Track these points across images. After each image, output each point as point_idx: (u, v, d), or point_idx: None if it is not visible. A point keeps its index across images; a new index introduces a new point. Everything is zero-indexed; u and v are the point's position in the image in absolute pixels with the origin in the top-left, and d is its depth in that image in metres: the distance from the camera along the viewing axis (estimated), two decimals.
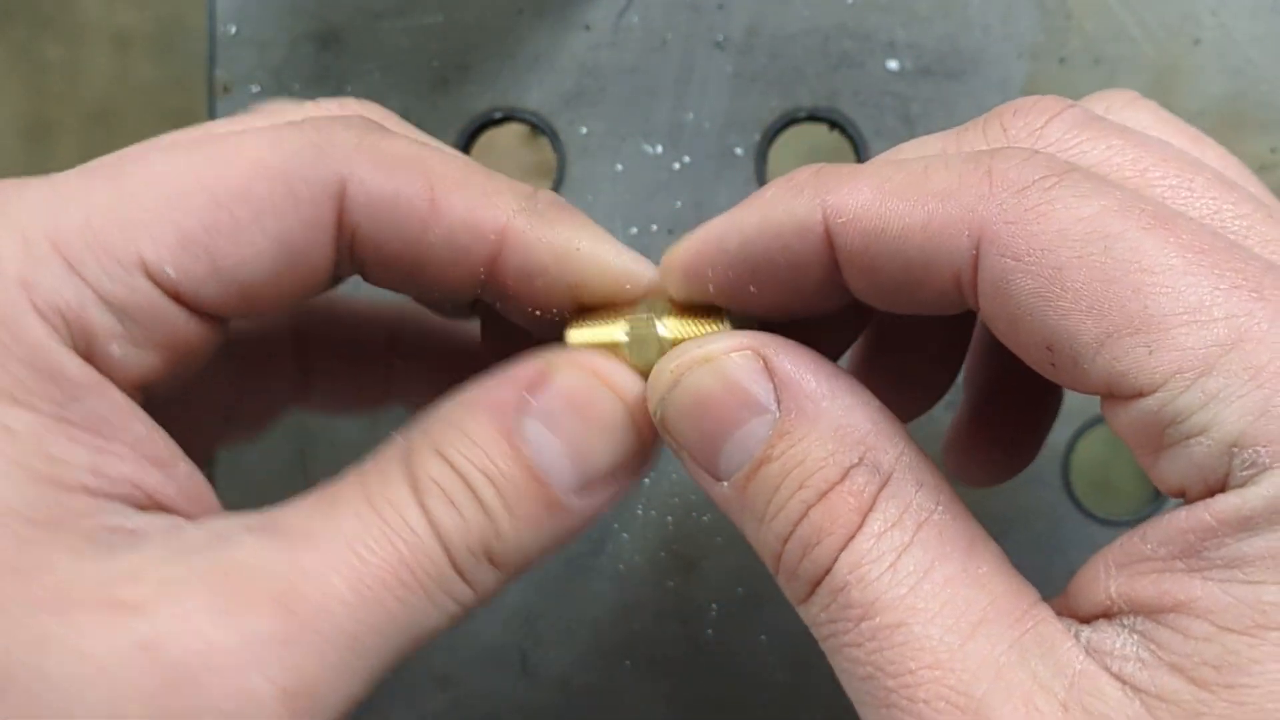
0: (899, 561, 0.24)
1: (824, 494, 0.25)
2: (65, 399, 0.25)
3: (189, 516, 0.27)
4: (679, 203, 0.39)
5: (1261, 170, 0.38)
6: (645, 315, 0.28)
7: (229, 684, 0.24)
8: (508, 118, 0.40)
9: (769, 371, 0.26)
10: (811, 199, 0.25)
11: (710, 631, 0.39)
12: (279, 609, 0.25)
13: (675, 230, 0.39)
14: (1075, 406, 0.38)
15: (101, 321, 0.25)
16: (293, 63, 0.40)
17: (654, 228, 0.39)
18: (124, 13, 1.33)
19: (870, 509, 0.24)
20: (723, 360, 0.26)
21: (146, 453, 0.26)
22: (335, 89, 0.39)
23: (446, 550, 0.27)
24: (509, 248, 0.27)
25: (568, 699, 0.39)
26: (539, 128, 0.40)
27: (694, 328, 0.28)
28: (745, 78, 0.39)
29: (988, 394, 0.32)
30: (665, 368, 0.27)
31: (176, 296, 0.26)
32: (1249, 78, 0.39)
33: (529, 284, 0.28)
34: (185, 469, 0.27)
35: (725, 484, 0.26)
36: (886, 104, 0.39)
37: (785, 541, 0.25)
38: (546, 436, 0.27)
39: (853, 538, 0.24)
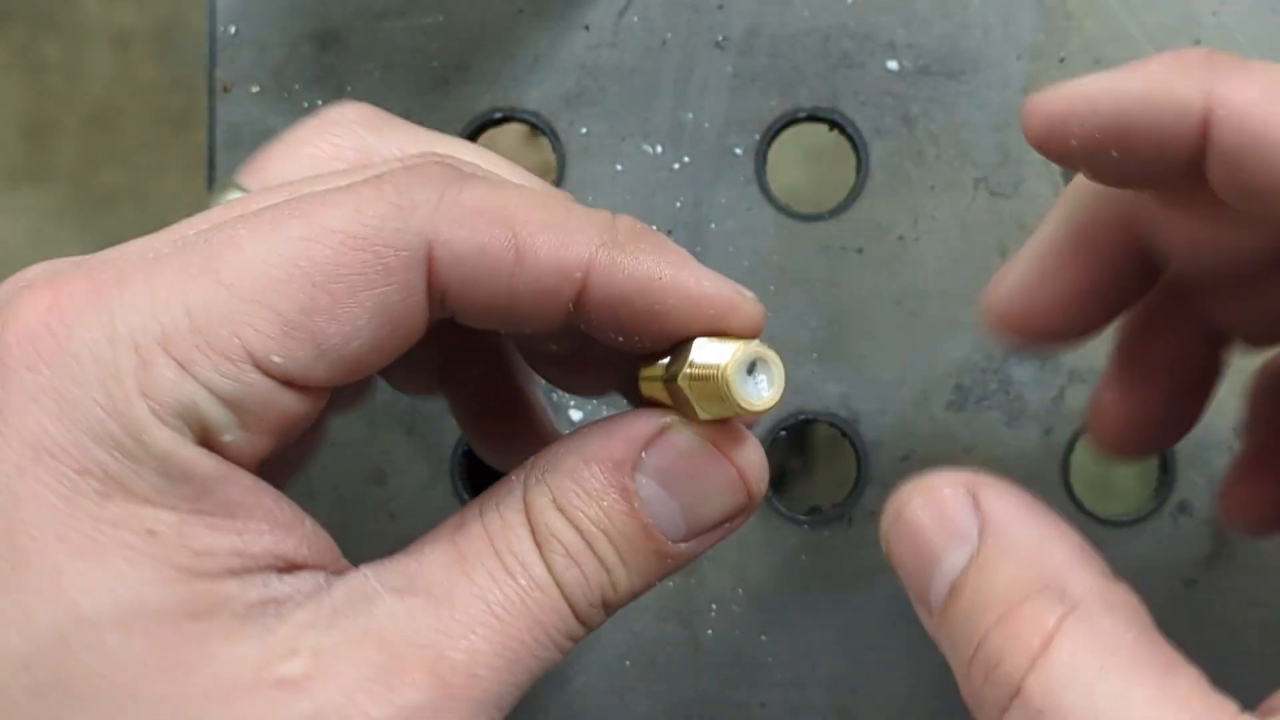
0: (1094, 686, 0.24)
1: (1004, 616, 0.25)
2: (200, 493, 0.25)
3: (323, 569, 0.28)
4: (679, 203, 0.39)
5: None
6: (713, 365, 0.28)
7: None
8: (508, 118, 0.40)
9: (976, 505, 0.27)
10: (1199, 83, 0.25)
11: (710, 631, 0.39)
12: (431, 678, 0.26)
13: (675, 230, 0.39)
14: (1076, 406, 0.38)
15: (216, 416, 0.25)
16: (293, 63, 0.40)
17: (654, 227, 0.39)
18: (124, 13, 1.33)
19: (1055, 633, 0.25)
20: (936, 493, 0.27)
21: (278, 521, 0.27)
22: (335, 89, 0.39)
23: (570, 605, 0.28)
24: (593, 283, 0.28)
25: (568, 699, 0.39)
26: (539, 128, 0.40)
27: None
28: (745, 78, 0.39)
29: (1266, 442, 0.32)
30: (890, 504, 0.28)
31: (285, 381, 0.26)
32: None
33: (614, 315, 0.28)
34: (310, 525, 0.28)
35: (934, 617, 0.27)
36: (886, 104, 0.39)
37: (970, 664, 0.25)
38: (660, 494, 0.29)
39: (1039, 660, 0.24)
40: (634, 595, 0.29)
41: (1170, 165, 0.26)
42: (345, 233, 0.26)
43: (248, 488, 0.26)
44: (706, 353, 0.28)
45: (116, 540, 0.25)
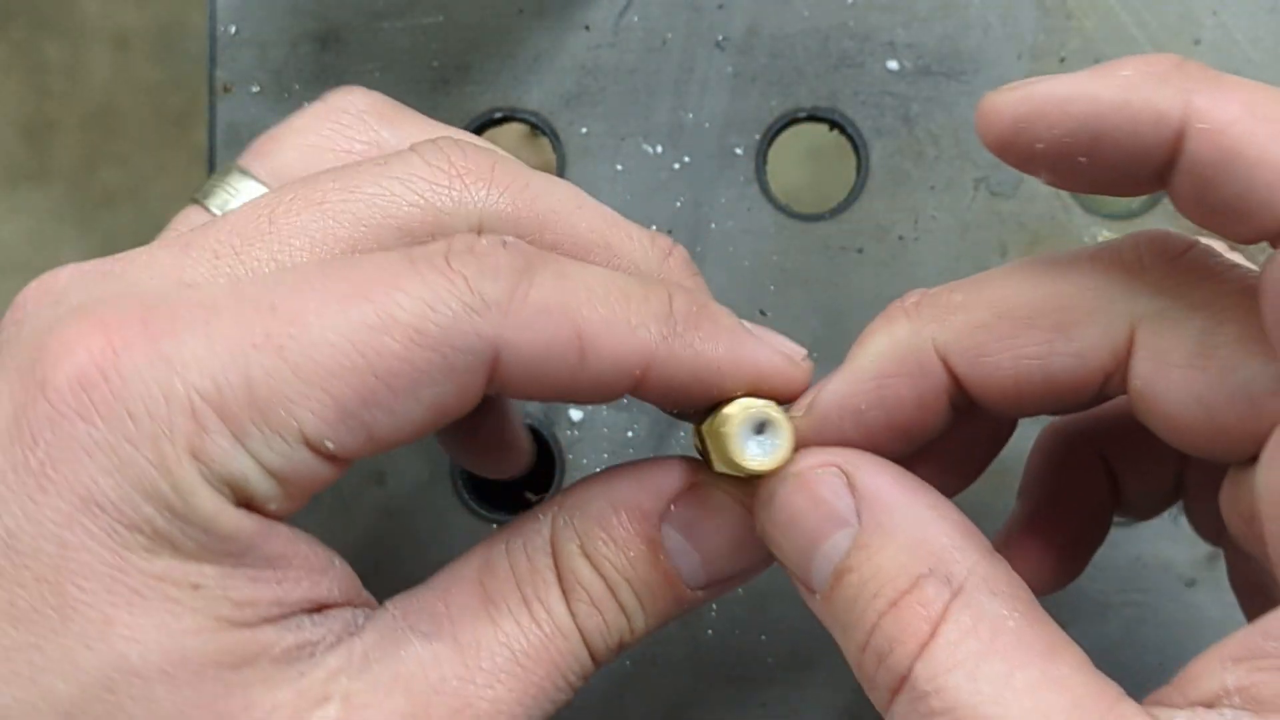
0: (977, 670, 0.24)
1: (894, 603, 0.25)
2: (243, 550, 0.26)
3: (350, 605, 0.28)
4: (679, 203, 0.39)
5: None
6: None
7: None
8: (508, 118, 0.40)
9: (851, 487, 0.27)
10: (1176, 93, 0.25)
11: (710, 632, 0.39)
12: None
13: (675, 230, 0.39)
14: None
15: (263, 487, 0.26)
16: (293, 63, 0.40)
17: (654, 227, 0.39)
18: (124, 13, 1.33)
19: (942, 619, 0.25)
20: (809, 475, 0.27)
21: (313, 567, 0.27)
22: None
23: (589, 650, 0.29)
24: (652, 374, 0.28)
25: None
26: (539, 128, 0.40)
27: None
28: (745, 78, 0.39)
29: (1044, 505, 0.33)
30: (764, 485, 0.28)
31: (330, 458, 0.26)
32: (1249, 77, 0.39)
33: (669, 395, 0.29)
34: (339, 564, 0.28)
35: (816, 596, 0.27)
36: (886, 104, 0.39)
37: (863, 650, 0.26)
38: (684, 545, 0.29)
39: (926, 646, 0.25)
40: (649, 635, 0.30)
41: (1137, 174, 0.26)
42: (414, 328, 0.25)
43: (286, 539, 0.27)
44: (731, 410, 0.29)
45: (162, 594, 0.25)
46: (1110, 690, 0.24)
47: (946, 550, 0.26)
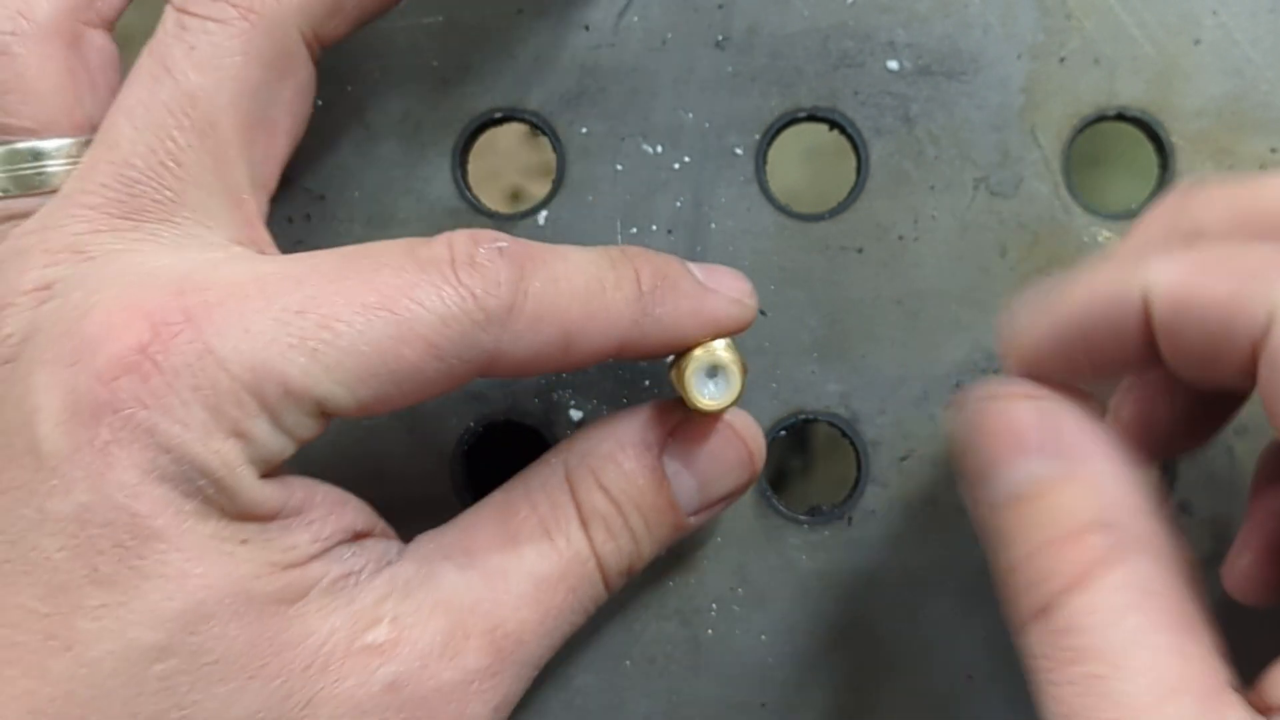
0: (1120, 622, 0.26)
1: (1060, 540, 0.27)
2: (277, 508, 0.30)
3: (375, 534, 0.33)
4: (679, 202, 0.39)
5: (1262, 170, 0.38)
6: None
7: (458, 714, 0.31)
8: (508, 118, 0.40)
9: (1054, 425, 0.29)
10: (1135, 274, 0.27)
11: (710, 631, 0.39)
12: (489, 646, 0.31)
13: (675, 230, 0.39)
14: None
15: (286, 454, 0.30)
16: None
17: (654, 227, 0.39)
18: (124, 12, 1.32)
19: (1099, 566, 0.26)
20: (1020, 402, 0.29)
21: (334, 502, 0.31)
22: (335, 89, 0.39)
23: (604, 575, 0.33)
24: (626, 349, 0.32)
25: (568, 698, 0.39)
26: (539, 128, 0.40)
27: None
28: (745, 77, 0.39)
29: (1267, 518, 0.33)
30: (973, 390, 0.31)
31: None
32: (1249, 78, 0.39)
33: (640, 360, 0.35)
34: (354, 499, 0.32)
35: (984, 507, 0.29)
36: (886, 104, 0.39)
37: (1017, 571, 0.28)
38: (683, 473, 0.34)
39: (1077, 586, 0.26)
40: (650, 562, 0.35)
41: (1133, 356, 0.28)
42: (430, 342, 0.29)
43: (305, 486, 0.31)
44: (685, 359, 0.33)
45: (219, 550, 0.29)
46: (1224, 675, 0.26)
47: (1120, 508, 0.27)
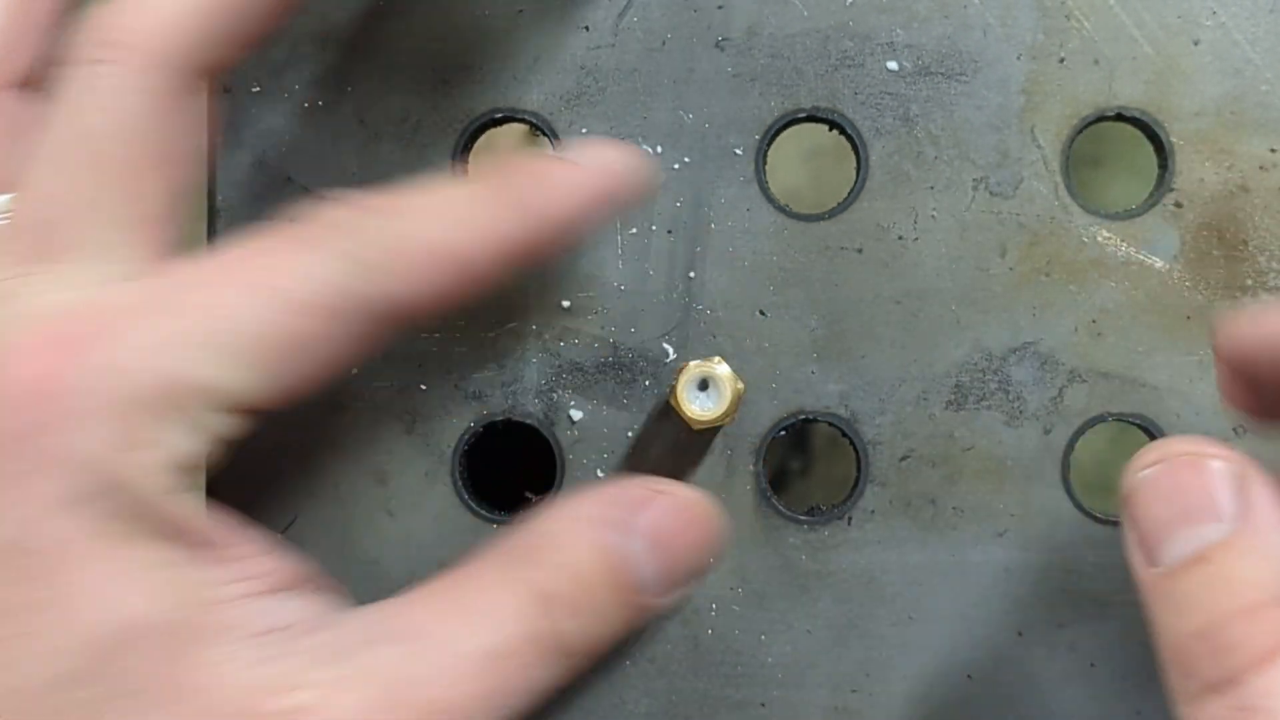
0: None
1: (1249, 611, 0.26)
2: (204, 536, 0.29)
3: (313, 590, 0.32)
4: (679, 203, 0.39)
5: (1261, 170, 0.38)
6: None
7: None
8: (508, 118, 0.40)
9: (1239, 489, 0.28)
10: None
11: (710, 631, 0.39)
12: None
13: (675, 230, 0.39)
14: (1075, 406, 0.39)
15: (203, 455, 0.30)
16: (293, 63, 0.40)
17: (654, 228, 0.39)
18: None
19: None
20: (1204, 462, 0.28)
21: (265, 549, 0.31)
22: (335, 89, 0.39)
23: (563, 653, 0.32)
24: (530, 251, 0.32)
25: (568, 698, 0.39)
26: (539, 128, 0.40)
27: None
28: (745, 78, 0.39)
29: None
30: (1150, 451, 0.29)
31: (254, 411, 0.30)
32: (1249, 78, 0.39)
33: (548, 259, 0.36)
34: (295, 552, 0.32)
35: (1156, 570, 0.28)
36: (886, 104, 0.39)
37: (1195, 637, 0.27)
38: (645, 556, 0.33)
39: (1266, 664, 0.26)
40: (612, 641, 0.34)
41: None
42: (319, 305, 0.30)
43: (237, 525, 0.31)
44: (681, 374, 0.34)
45: (145, 573, 0.28)
46: None
47: None
